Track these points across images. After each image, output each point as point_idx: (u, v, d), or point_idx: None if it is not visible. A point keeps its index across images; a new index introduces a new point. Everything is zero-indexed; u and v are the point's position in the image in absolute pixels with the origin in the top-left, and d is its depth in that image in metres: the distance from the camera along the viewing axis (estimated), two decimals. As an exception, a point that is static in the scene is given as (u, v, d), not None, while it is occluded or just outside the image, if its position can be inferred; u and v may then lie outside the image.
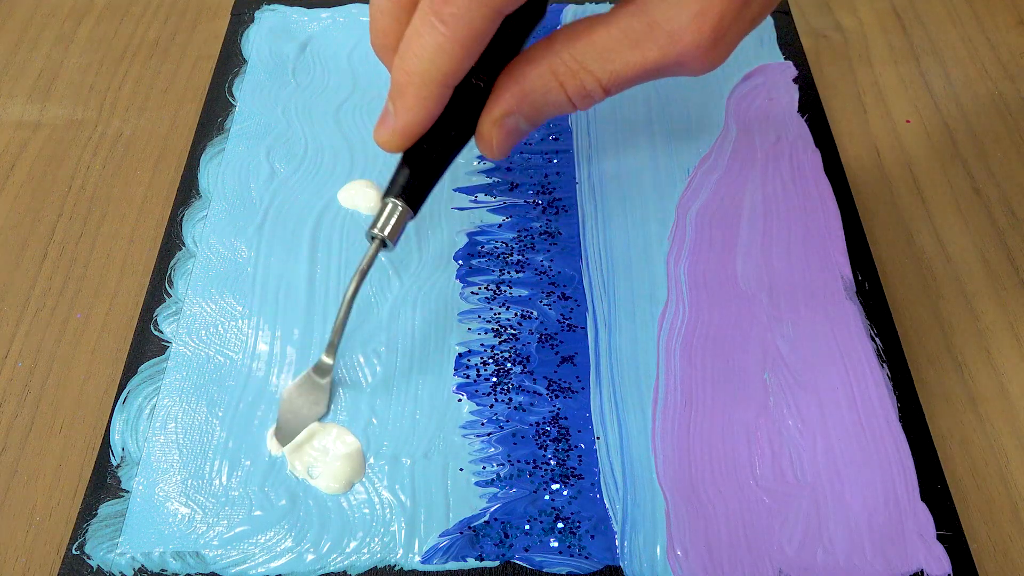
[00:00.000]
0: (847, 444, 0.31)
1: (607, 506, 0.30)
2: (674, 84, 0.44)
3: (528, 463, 0.31)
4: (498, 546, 0.29)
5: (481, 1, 0.26)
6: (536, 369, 0.34)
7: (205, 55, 0.48)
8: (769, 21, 0.47)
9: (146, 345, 0.34)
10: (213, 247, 0.37)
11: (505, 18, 0.28)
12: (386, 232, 0.30)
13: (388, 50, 0.30)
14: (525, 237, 0.38)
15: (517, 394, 0.33)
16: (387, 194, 0.30)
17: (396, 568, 0.29)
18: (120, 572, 0.29)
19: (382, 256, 0.35)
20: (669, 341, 0.34)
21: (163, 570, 0.29)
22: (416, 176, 0.30)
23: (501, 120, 0.29)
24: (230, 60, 0.45)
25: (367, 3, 0.47)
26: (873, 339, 0.34)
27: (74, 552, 0.29)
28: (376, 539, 0.29)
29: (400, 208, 0.30)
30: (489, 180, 0.40)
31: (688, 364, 0.34)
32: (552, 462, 0.31)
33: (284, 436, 0.31)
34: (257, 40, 0.46)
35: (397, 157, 0.30)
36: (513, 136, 0.30)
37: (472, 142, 0.30)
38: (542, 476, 0.31)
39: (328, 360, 0.32)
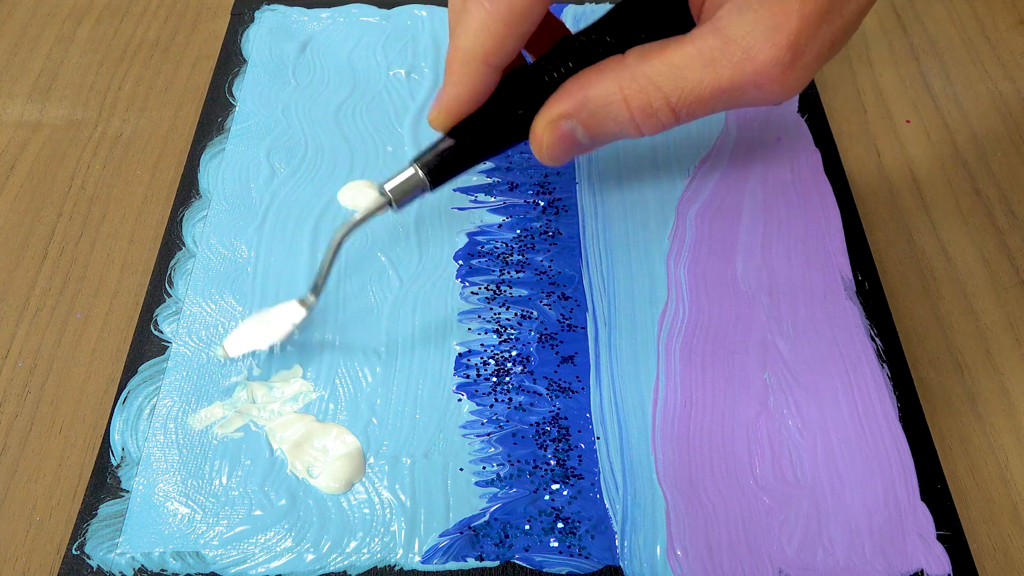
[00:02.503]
0: (847, 444, 0.31)
1: (607, 506, 0.30)
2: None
3: (528, 463, 0.31)
4: (498, 546, 0.29)
5: None
6: (536, 369, 0.34)
7: (205, 55, 0.48)
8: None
9: (146, 345, 0.34)
10: (213, 247, 0.37)
11: (607, 28, 0.29)
12: (395, 195, 0.30)
13: (454, 31, 0.30)
14: (525, 237, 0.38)
15: (517, 394, 0.33)
16: (415, 159, 0.30)
17: (396, 568, 0.29)
18: (120, 572, 0.29)
19: (382, 256, 0.35)
20: (669, 341, 0.34)
21: (163, 570, 0.29)
22: (448, 152, 0.30)
23: (557, 122, 0.29)
24: (230, 60, 0.45)
25: (367, 3, 0.48)
26: (873, 339, 0.34)
27: (74, 552, 0.29)
28: (376, 539, 0.29)
29: (420, 178, 0.30)
30: (489, 180, 0.40)
31: (688, 364, 0.34)
32: (552, 462, 0.31)
33: (235, 345, 0.32)
34: (257, 40, 0.46)
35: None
36: (567, 142, 0.29)
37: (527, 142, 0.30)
38: (542, 476, 0.31)
39: (311, 298, 0.33)
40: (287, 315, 0.33)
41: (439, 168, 0.30)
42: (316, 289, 0.33)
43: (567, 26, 0.34)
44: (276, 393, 0.33)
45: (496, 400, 0.33)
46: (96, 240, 0.39)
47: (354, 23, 0.47)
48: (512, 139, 0.30)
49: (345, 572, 0.29)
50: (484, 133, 0.30)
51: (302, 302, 0.33)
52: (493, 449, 0.32)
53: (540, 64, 0.29)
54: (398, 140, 0.41)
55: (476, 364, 0.34)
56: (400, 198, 0.30)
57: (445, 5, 0.47)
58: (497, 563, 0.29)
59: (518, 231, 0.38)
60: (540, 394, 0.33)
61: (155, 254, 0.38)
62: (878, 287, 0.36)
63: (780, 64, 0.26)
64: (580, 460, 0.31)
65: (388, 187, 0.30)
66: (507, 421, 0.32)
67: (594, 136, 0.29)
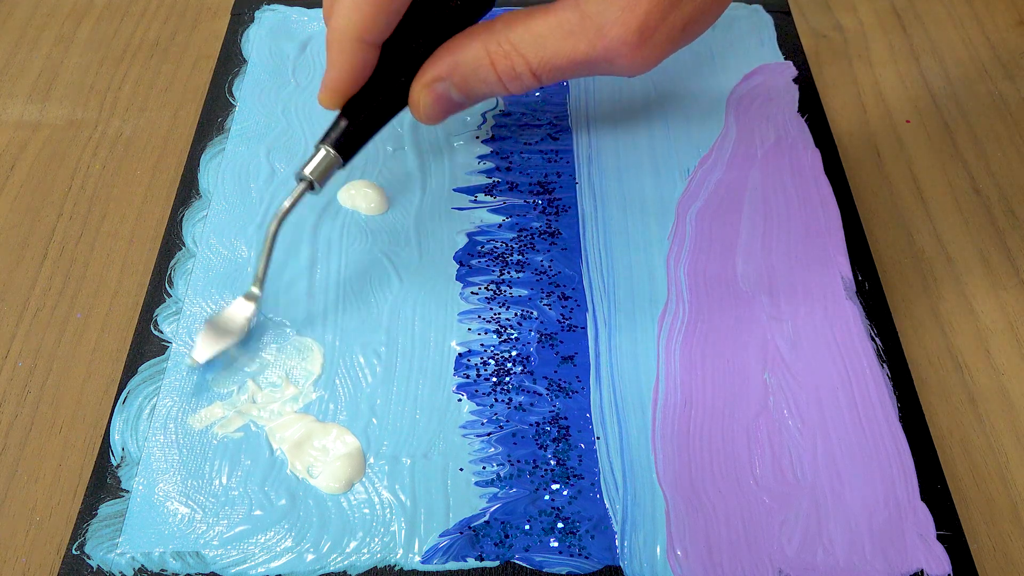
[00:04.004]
0: (847, 444, 0.31)
1: (607, 506, 0.30)
2: (674, 84, 0.44)
3: (528, 463, 0.31)
4: (498, 546, 0.29)
5: None
6: (536, 369, 0.34)
7: (205, 55, 0.48)
8: (769, 21, 0.47)
9: (146, 345, 0.34)
10: (213, 247, 0.37)
11: (449, 2, 0.31)
12: (315, 175, 0.32)
13: (330, 14, 0.32)
14: (525, 237, 0.38)
15: (517, 394, 0.33)
16: (320, 142, 0.32)
17: (396, 568, 0.29)
18: (120, 572, 0.29)
19: (382, 256, 0.35)
20: (669, 341, 0.34)
21: (163, 570, 0.29)
22: (348, 128, 0.32)
23: (431, 84, 0.31)
24: (230, 60, 0.45)
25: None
26: (873, 339, 0.34)
27: (74, 552, 0.29)
28: (376, 539, 0.29)
29: (331, 155, 0.32)
30: (489, 180, 0.40)
31: (688, 364, 0.34)
32: (552, 462, 0.31)
33: (200, 351, 0.33)
34: (257, 40, 0.46)
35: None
36: (442, 103, 0.32)
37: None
38: (542, 476, 0.31)
39: (255, 290, 0.34)
40: (239, 312, 0.34)
41: (346, 144, 0.32)
42: (258, 281, 0.34)
43: None
44: (276, 393, 0.33)
45: (496, 400, 0.33)
46: (96, 240, 0.39)
47: (354, 23, 0.47)
48: (403, 104, 0.33)
49: (345, 572, 0.29)
50: (376, 104, 0.32)
51: (248, 296, 0.34)
52: (493, 449, 0.32)
53: (412, 32, 0.32)
54: (398, 140, 0.41)
55: (476, 364, 0.34)
56: (320, 178, 0.32)
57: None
58: (497, 563, 0.29)
59: (518, 231, 0.38)
60: (540, 394, 0.33)
61: (155, 254, 0.38)
62: (878, 287, 0.36)
63: (628, 43, 0.29)
64: (580, 460, 0.31)
65: (307, 171, 0.32)
66: (507, 421, 0.32)
67: (466, 95, 0.32)
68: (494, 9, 0.33)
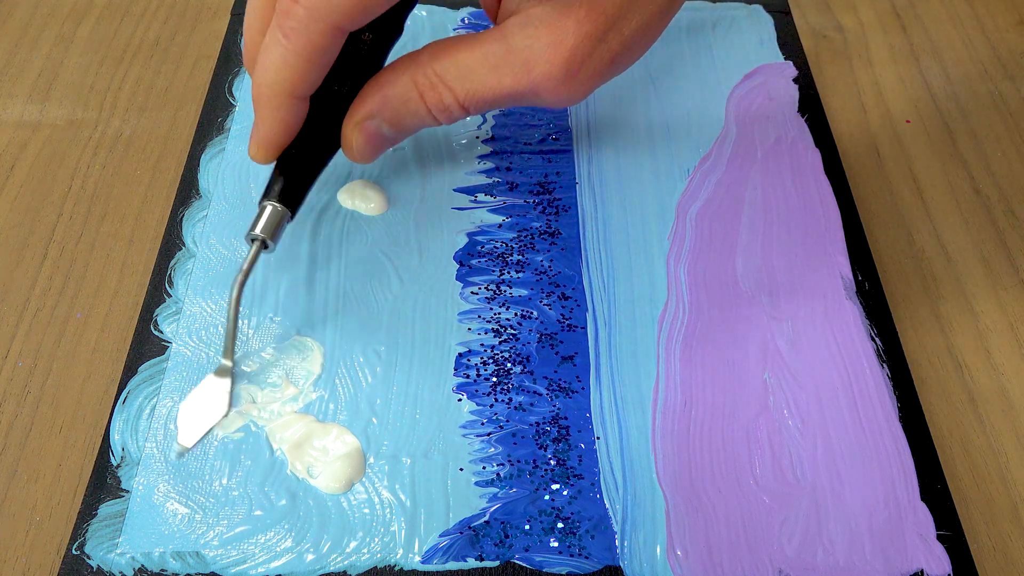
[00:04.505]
0: (847, 444, 0.31)
1: (607, 506, 0.30)
2: (674, 84, 0.44)
3: (528, 463, 0.31)
4: (498, 546, 0.29)
5: (318, 16, 0.27)
6: (536, 369, 0.34)
7: (205, 55, 0.48)
8: (769, 21, 0.47)
9: (146, 345, 0.34)
10: (213, 247, 0.37)
11: (360, 33, 0.30)
12: (266, 233, 0.31)
13: (253, 65, 0.31)
14: (525, 237, 0.38)
15: (517, 394, 0.33)
16: (264, 198, 0.32)
17: (396, 568, 0.29)
18: (120, 572, 0.29)
19: (382, 255, 0.35)
20: (669, 341, 0.34)
21: (163, 570, 0.29)
22: (289, 180, 0.32)
23: (362, 123, 0.31)
24: (230, 60, 0.45)
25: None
26: (873, 339, 0.34)
27: (74, 552, 0.29)
28: (376, 539, 0.29)
29: (279, 210, 0.32)
30: (489, 180, 0.40)
31: (688, 364, 0.34)
32: (552, 462, 0.31)
33: (187, 436, 0.31)
34: (257, 40, 0.46)
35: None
36: (375, 140, 0.31)
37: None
38: (542, 476, 0.31)
39: (227, 362, 0.33)
40: (216, 389, 0.32)
41: (290, 196, 0.32)
42: (228, 353, 0.33)
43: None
44: (276, 393, 0.33)
45: (496, 400, 0.33)
46: (96, 240, 0.39)
47: (354, 23, 0.47)
48: (336, 147, 0.33)
49: (345, 572, 0.29)
50: (311, 152, 0.32)
51: (220, 371, 0.33)
52: (493, 449, 0.32)
53: (334, 76, 0.31)
54: (398, 140, 0.41)
55: (476, 364, 0.34)
56: (272, 235, 0.32)
57: (445, 5, 0.47)
58: (497, 563, 0.29)
59: (518, 231, 0.38)
60: (540, 394, 0.33)
61: (155, 254, 0.38)
62: (878, 287, 0.36)
63: (554, 79, 0.29)
64: (580, 460, 0.31)
65: (257, 231, 0.32)
66: (507, 421, 0.32)
67: (398, 129, 0.32)
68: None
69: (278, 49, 0.28)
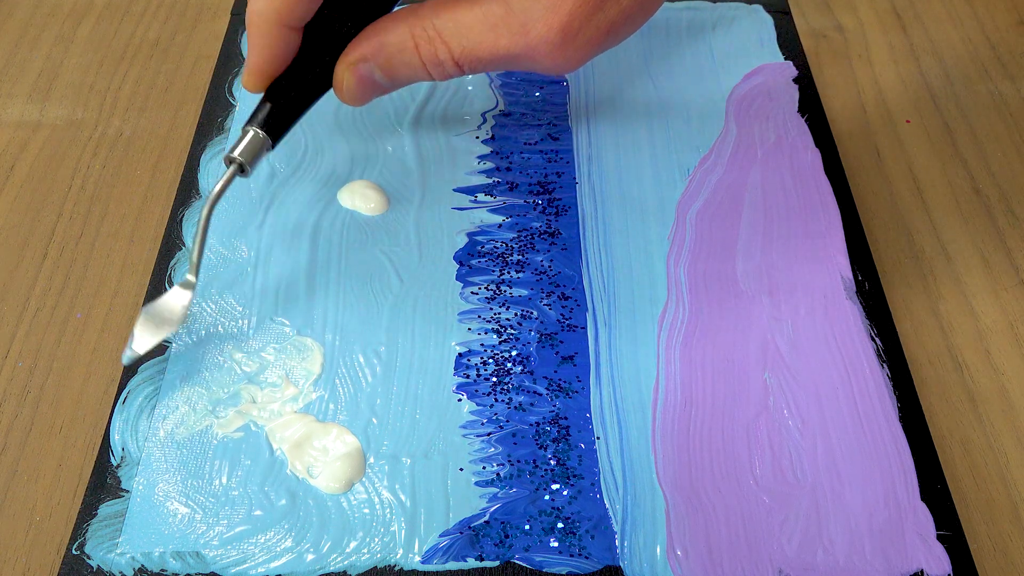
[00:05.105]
0: (847, 444, 0.31)
1: (607, 506, 0.30)
2: (674, 84, 0.44)
3: (528, 463, 0.31)
4: (498, 546, 0.29)
5: None
6: (536, 369, 0.34)
7: (205, 55, 0.48)
8: (769, 21, 0.47)
9: (146, 345, 0.34)
10: (213, 247, 0.37)
11: None
12: (244, 157, 0.31)
13: None
14: (525, 237, 0.38)
15: (517, 394, 0.33)
16: (247, 123, 0.32)
17: (396, 568, 0.29)
18: (120, 572, 0.29)
19: (382, 255, 0.35)
20: (669, 341, 0.34)
21: (163, 570, 0.29)
22: (275, 109, 0.32)
23: (355, 64, 0.31)
24: (230, 60, 0.45)
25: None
26: (873, 339, 0.34)
27: (74, 552, 0.29)
28: (376, 539, 0.29)
29: (260, 136, 0.32)
30: (489, 180, 0.40)
31: (688, 364, 0.34)
32: (552, 462, 0.31)
33: (140, 342, 0.32)
34: (257, 40, 0.46)
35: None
36: (366, 83, 0.32)
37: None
38: (542, 476, 0.31)
39: (191, 278, 0.33)
40: (176, 300, 0.33)
41: (273, 125, 0.32)
42: (194, 268, 0.33)
43: None
44: (276, 393, 0.33)
45: (496, 400, 0.33)
46: (96, 240, 0.39)
47: (354, 23, 0.47)
48: (328, 85, 0.33)
49: (345, 572, 0.29)
50: (300, 86, 0.32)
51: (184, 285, 0.33)
52: (493, 449, 0.32)
53: (336, 14, 0.31)
54: (398, 140, 0.41)
55: (476, 364, 0.34)
56: (250, 160, 0.32)
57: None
58: (497, 563, 0.29)
59: (518, 231, 0.38)
60: (540, 394, 0.33)
61: (155, 254, 0.38)
62: (878, 287, 0.36)
63: (550, 43, 0.29)
64: (580, 460, 0.31)
65: (235, 153, 0.31)
66: (507, 421, 0.32)
67: (391, 78, 0.32)
68: None
69: None
